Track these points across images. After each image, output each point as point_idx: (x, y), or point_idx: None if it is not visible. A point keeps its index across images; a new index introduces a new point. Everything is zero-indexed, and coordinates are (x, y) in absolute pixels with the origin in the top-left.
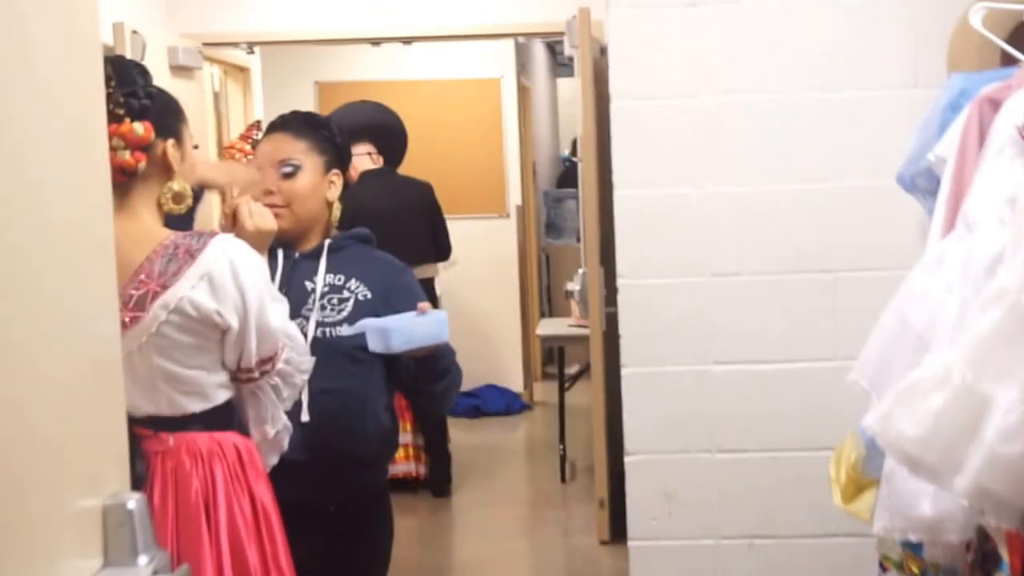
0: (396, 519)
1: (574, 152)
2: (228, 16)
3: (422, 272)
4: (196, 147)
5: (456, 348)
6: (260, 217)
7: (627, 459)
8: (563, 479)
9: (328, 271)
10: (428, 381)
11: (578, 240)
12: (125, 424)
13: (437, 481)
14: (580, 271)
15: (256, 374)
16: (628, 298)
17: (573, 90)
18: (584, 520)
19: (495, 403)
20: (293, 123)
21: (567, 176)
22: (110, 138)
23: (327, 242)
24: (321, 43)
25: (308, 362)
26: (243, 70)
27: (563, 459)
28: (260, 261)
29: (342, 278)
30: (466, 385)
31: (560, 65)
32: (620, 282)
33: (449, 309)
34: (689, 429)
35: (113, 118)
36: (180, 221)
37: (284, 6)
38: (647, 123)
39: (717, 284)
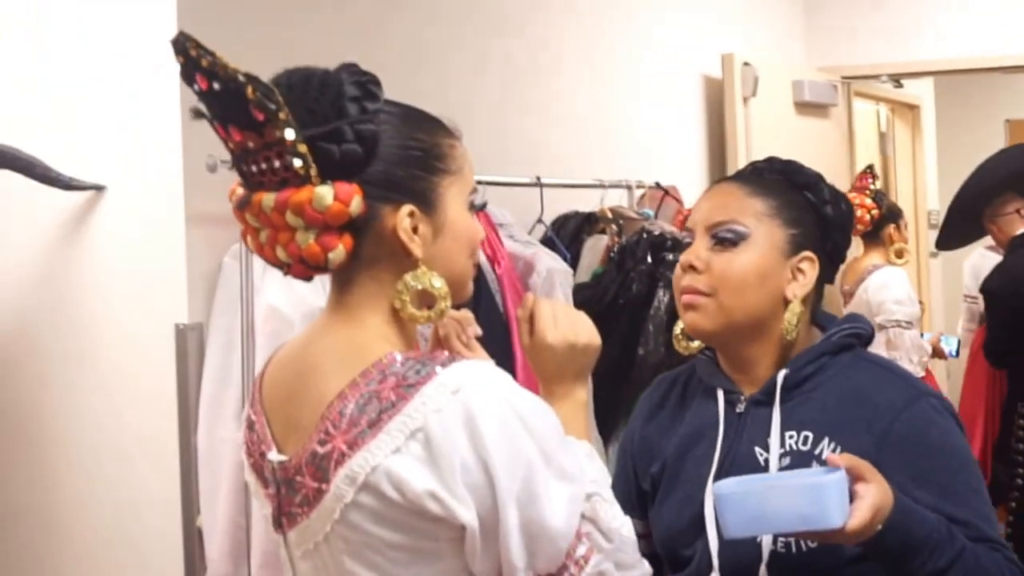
0: None
1: None
2: (878, 46)
3: None
4: (481, 206)
5: None
6: (572, 325)
7: None
8: None
9: (785, 426)
10: None
11: None
12: None
13: None
14: None
15: None
16: None
17: None
18: None
19: None
20: (753, 173)
21: None
22: (281, 211)
23: (780, 377)
24: (990, 71)
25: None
26: (912, 108)
27: None
28: (536, 410)
29: (808, 437)
30: None
31: None
32: None
33: None
34: None
35: (290, 178)
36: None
37: (942, 32)
38: None
39: None
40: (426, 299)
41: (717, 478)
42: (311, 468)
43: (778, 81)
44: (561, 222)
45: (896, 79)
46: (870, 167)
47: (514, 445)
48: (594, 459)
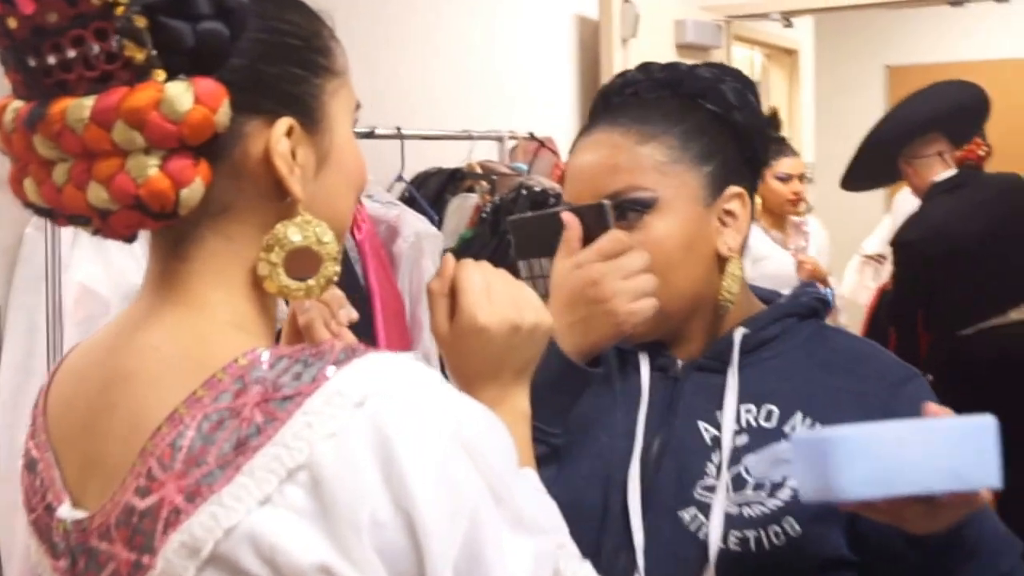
0: None
1: None
2: None
3: None
4: (368, 133)
5: None
6: (513, 300)
7: None
8: None
9: (743, 399)
10: None
11: None
12: None
13: None
14: None
15: None
16: None
17: None
18: None
19: None
20: (633, 104)
21: None
22: (104, 122)
23: (737, 336)
24: (883, 6)
25: None
26: (790, 53)
27: None
28: (483, 427)
29: (772, 412)
30: None
31: None
32: None
33: None
34: None
35: (116, 72)
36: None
37: None
38: None
39: None
40: (302, 263)
41: (645, 457)
42: (125, 531)
43: (660, 20)
44: (421, 180)
45: (786, 16)
46: (775, 112)
47: (453, 484)
48: (544, 492)
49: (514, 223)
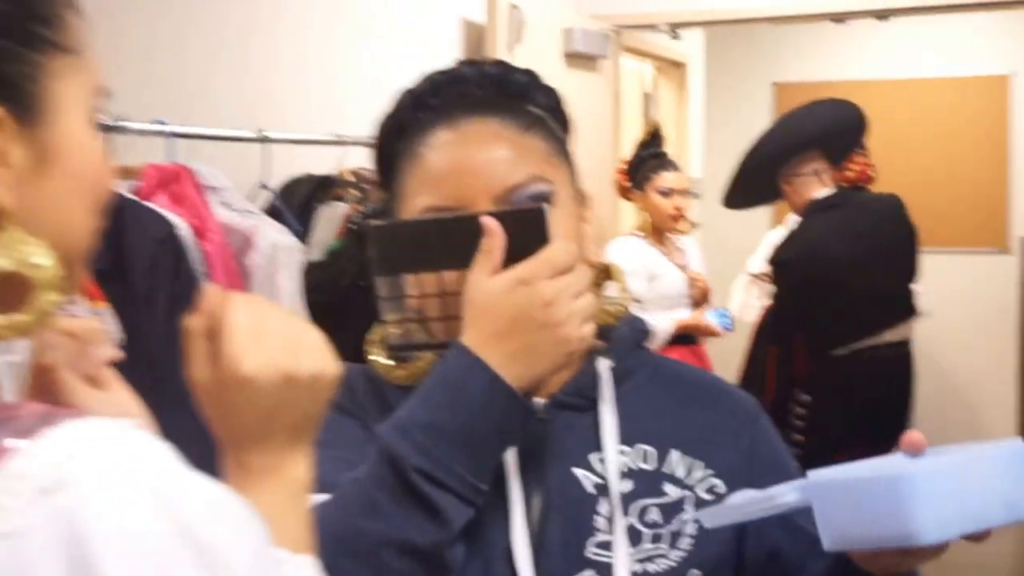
0: None
1: None
2: None
3: (899, 333)
4: (110, 128)
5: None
6: (290, 342)
7: None
8: None
9: (623, 439)
10: None
11: None
12: None
13: None
14: None
15: None
16: None
17: None
18: None
19: None
20: (511, 94)
21: None
22: None
23: (604, 368)
24: (770, 21)
25: None
26: (678, 66)
27: None
28: (217, 515)
29: (648, 452)
30: None
31: None
32: None
33: (924, 371)
34: None
35: None
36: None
37: None
38: None
39: None
40: (8, 292)
41: (527, 518)
42: None
43: (547, 28)
44: (289, 187)
45: (674, 28)
46: (656, 127)
47: None
48: None
49: (380, 231)
